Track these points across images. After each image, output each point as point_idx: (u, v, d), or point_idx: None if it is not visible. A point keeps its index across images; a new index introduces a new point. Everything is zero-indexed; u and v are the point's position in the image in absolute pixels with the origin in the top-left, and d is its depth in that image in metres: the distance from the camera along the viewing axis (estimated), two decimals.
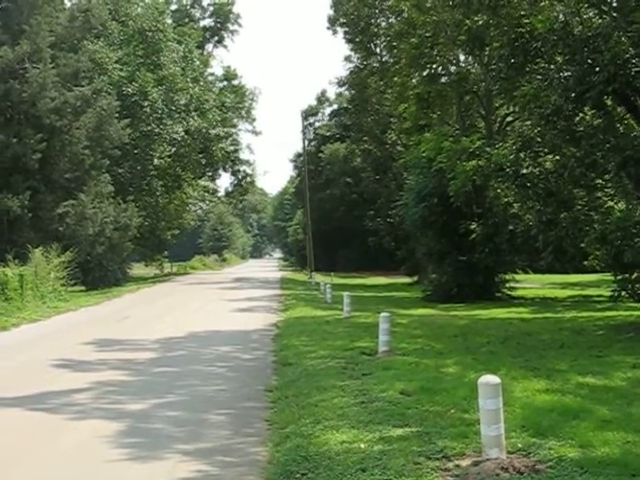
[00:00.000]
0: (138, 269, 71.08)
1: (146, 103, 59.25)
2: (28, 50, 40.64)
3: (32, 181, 40.63)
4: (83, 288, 42.66)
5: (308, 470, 8.07)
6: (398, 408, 10.52)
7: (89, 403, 12.37)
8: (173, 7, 77.67)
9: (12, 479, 8.46)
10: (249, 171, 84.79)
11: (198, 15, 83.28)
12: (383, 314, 16.46)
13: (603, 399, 10.64)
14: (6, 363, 17.37)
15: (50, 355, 17.92)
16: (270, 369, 15.91)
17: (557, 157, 24.50)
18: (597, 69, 19.43)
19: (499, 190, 30.27)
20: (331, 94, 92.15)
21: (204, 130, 66.70)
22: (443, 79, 39.41)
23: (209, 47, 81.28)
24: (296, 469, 8.14)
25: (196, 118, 65.34)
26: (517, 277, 38.25)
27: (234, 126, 77.61)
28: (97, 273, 45.36)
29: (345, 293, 26.29)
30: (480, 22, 32.13)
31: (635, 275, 21.96)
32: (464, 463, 7.88)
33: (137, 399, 12.56)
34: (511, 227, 34.17)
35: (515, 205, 30.99)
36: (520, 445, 8.29)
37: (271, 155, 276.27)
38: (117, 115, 48.10)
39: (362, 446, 8.70)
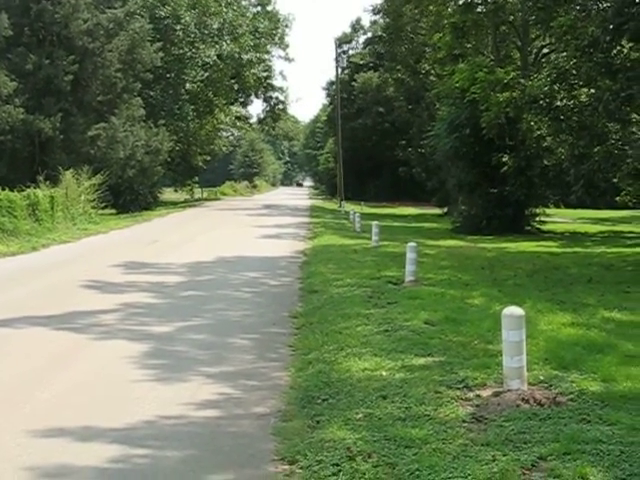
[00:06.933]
0: (169, 194, 71.40)
1: (179, 27, 58.84)
2: None
3: (64, 103, 40.66)
4: (114, 211, 42.92)
5: (329, 396, 8.15)
6: (421, 337, 10.55)
7: (115, 324, 12.50)
8: None
9: (37, 397, 8.56)
10: (281, 98, 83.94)
11: None
12: (410, 244, 16.44)
13: (628, 334, 10.57)
14: (36, 283, 17.57)
15: (79, 276, 18.08)
16: (296, 296, 15.98)
17: (592, 90, 24.21)
18: (637, 0, 19.03)
19: (532, 122, 29.93)
20: (366, 22, 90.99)
21: (236, 55, 66.13)
22: (479, 8, 38.63)
23: None
24: (317, 394, 8.22)
25: (229, 43, 64.87)
26: (548, 211, 37.99)
27: (267, 52, 76.61)
28: (128, 196, 45.61)
29: (374, 222, 26.21)
30: None
31: None
32: (485, 393, 7.90)
33: (163, 321, 12.68)
34: (545, 161, 33.88)
35: (548, 138, 30.71)
36: (542, 377, 8.30)
37: (304, 82, 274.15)
38: (149, 38, 47.89)
39: (384, 374, 8.76)
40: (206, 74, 64.11)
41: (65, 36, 40.92)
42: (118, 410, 8.04)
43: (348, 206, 53.50)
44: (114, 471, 6.43)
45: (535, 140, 31.26)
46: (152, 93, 57.52)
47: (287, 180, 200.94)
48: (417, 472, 5.92)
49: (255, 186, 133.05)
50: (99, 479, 6.26)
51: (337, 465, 6.16)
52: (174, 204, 61.56)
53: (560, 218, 43.12)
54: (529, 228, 35.42)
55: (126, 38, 44.63)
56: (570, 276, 18.19)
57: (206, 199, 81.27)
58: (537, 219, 36.23)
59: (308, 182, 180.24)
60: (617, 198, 36.92)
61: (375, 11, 69.04)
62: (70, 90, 40.77)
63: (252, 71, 72.03)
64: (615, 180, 29.65)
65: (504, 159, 32.89)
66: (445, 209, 50.11)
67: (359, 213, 36.32)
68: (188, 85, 63.44)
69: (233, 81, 69.91)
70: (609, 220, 43.19)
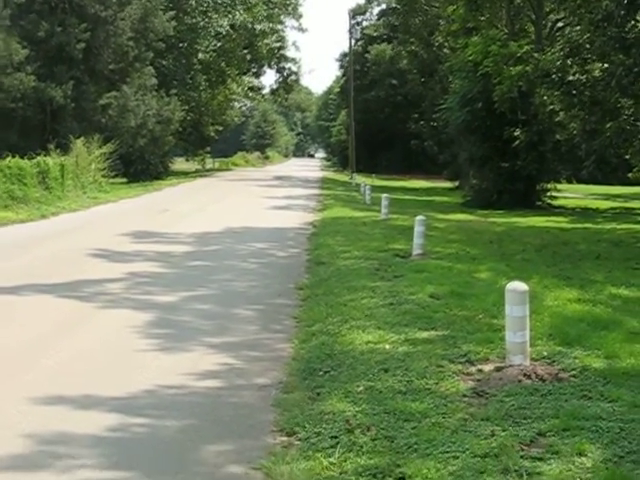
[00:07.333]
0: (180, 164, 71.34)
1: None
2: None
3: (76, 71, 40.63)
4: (124, 180, 43.02)
5: (331, 368, 8.11)
6: (426, 311, 10.49)
7: (121, 293, 12.51)
8: None
9: (41, 365, 8.58)
10: (294, 69, 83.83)
11: None
12: (419, 217, 16.37)
13: (635, 311, 10.50)
14: (44, 251, 17.60)
15: (87, 245, 18.11)
16: (303, 267, 15.97)
17: (605, 65, 23.98)
18: None
19: (545, 97, 29.70)
20: None
21: (249, 25, 65.97)
22: None
23: None
24: (319, 366, 8.20)
25: (242, 12, 64.56)
26: (559, 186, 37.81)
27: (280, 22, 76.24)
28: (139, 166, 45.65)
29: (384, 195, 26.12)
30: None
31: None
32: (487, 368, 7.86)
33: (169, 291, 12.68)
34: (557, 135, 33.68)
35: (560, 113, 30.50)
36: (545, 353, 8.23)
37: (317, 53, 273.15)
38: (162, 7, 47.71)
39: (387, 347, 8.73)
40: (219, 44, 64.05)
41: (77, 4, 40.83)
42: (119, 379, 8.04)
43: (359, 178, 53.32)
44: (113, 439, 6.43)
45: (547, 115, 31.05)
46: (164, 62, 57.43)
47: (299, 151, 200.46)
48: (415, 446, 5.89)
49: (267, 157, 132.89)
50: (98, 447, 6.24)
51: (335, 437, 6.13)
52: (185, 174, 61.55)
53: (571, 193, 42.92)
54: (540, 203, 35.27)
55: (139, 6, 44.51)
56: (579, 252, 18.13)
57: (217, 169, 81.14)
58: (548, 194, 36.05)
59: (320, 154, 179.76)
60: (629, 174, 36.77)
61: None
62: (82, 58, 40.75)
63: (265, 41, 71.85)
64: (627, 156, 29.47)
65: (516, 133, 32.68)
66: (456, 183, 50.00)
67: (370, 185, 36.22)
68: (200, 55, 63.39)
69: (246, 51, 69.76)
70: (621, 196, 43.00)
